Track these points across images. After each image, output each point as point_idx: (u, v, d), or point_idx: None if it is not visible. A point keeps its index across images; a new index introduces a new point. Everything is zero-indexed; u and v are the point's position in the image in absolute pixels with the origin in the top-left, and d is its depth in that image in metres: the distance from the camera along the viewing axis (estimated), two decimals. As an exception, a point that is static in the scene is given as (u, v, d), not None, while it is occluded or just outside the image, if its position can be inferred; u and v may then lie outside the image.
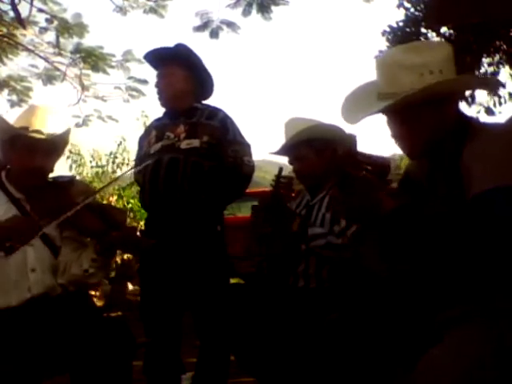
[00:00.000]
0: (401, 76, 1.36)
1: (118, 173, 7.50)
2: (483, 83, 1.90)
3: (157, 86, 2.46)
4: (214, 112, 2.43)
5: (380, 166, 1.35)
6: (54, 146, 1.84)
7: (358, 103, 1.47)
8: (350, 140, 1.34)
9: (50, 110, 1.86)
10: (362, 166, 1.32)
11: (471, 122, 1.40)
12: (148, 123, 7.11)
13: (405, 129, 1.41)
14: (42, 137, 1.79)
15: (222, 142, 2.34)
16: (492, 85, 2.42)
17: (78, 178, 6.78)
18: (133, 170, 2.53)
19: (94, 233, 1.82)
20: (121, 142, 7.44)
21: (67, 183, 1.88)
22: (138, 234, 1.96)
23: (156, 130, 2.45)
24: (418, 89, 1.31)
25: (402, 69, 1.36)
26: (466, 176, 1.26)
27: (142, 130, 2.79)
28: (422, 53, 1.37)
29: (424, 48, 1.42)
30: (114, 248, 1.86)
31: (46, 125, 1.80)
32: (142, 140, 2.54)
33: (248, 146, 2.43)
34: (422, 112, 1.37)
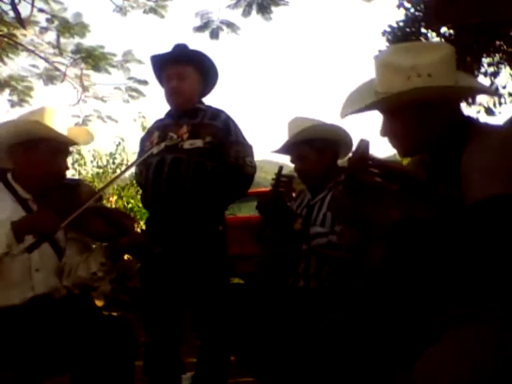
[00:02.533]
0: (389, 77, 1.35)
1: (118, 173, 7.51)
2: (468, 93, 1.80)
3: (170, 85, 2.43)
4: (217, 113, 2.44)
5: (392, 171, 1.34)
6: (69, 148, 1.88)
7: (356, 99, 1.46)
8: (363, 143, 1.31)
9: (58, 111, 1.86)
10: (374, 172, 1.31)
11: (472, 124, 1.39)
12: (145, 124, 7.10)
13: (394, 128, 1.41)
14: (71, 141, 1.83)
15: (225, 143, 2.34)
16: (476, 93, 2.38)
17: (78, 177, 6.79)
18: (136, 162, 2.52)
19: (103, 237, 1.83)
20: (119, 143, 7.46)
21: (75, 185, 1.89)
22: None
23: (158, 131, 2.45)
24: (393, 92, 1.30)
25: (391, 70, 1.34)
26: (464, 180, 1.26)
27: (140, 131, 2.79)
28: (414, 54, 1.35)
29: (417, 49, 1.39)
30: (123, 253, 1.87)
31: (56, 127, 1.81)
32: (144, 141, 2.54)
33: (250, 147, 2.43)
34: (412, 113, 1.35)
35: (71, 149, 2.04)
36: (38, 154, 1.78)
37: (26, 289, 1.70)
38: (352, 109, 1.42)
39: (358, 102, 1.42)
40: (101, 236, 1.83)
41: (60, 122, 1.84)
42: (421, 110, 1.35)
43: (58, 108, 1.88)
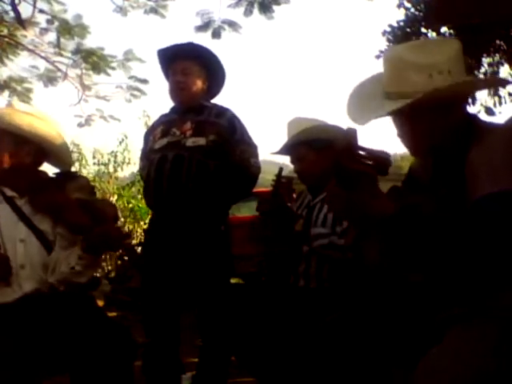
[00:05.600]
0: (410, 76, 1.32)
1: (119, 172, 7.52)
2: (491, 83, 1.79)
3: (175, 79, 2.41)
4: (222, 111, 2.42)
5: (380, 160, 1.33)
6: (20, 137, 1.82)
7: (365, 101, 1.43)
8: (350, 131, 1.30)
9: (23, 106, 1.88)
10: (361, 160, 1.30)
11: (476, 122, 1.39)
12: (149, 123, 7.15)
13: (412, 129, 1.39)
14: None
15: (229, 142, 2.33)
16: (499, 83, 2.38)
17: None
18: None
19: (79, 229, 1.81)
20: (123, 140, 7.44)
21: (65, 179, 1.88)
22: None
23: (162, 126, 2.43)
24: (427, 91, 1.27)
25: (411, 68, 1.32)
26: (470, 178, 1.25)
27: (143, 130, 2.79)
28: (431, 52, 1.33)
29: (433, 46, 1.38)
30: (98, 245, 1.82)
31: (16, 119, 1.80)
32: (148, 135, 2.52)
33: (255, 147, 2.42)
34: (431, 113, 1.34)
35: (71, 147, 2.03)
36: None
37: (14, 287, 1.69)
38: (373, 113, 1.38)
39: (373, 106, 1.39)
40: (77, 228, 1.81)
41: (22, 116, 1.82)
42: (440, 108, 1.33)
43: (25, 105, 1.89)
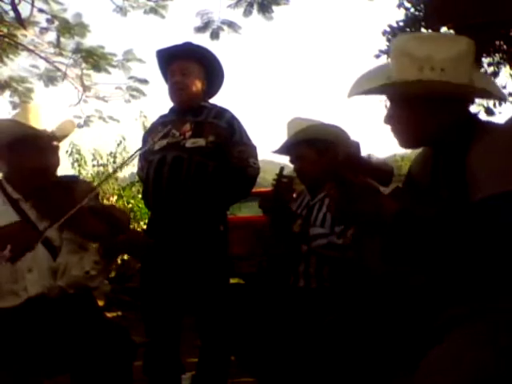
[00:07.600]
0: (402, 64, 1.32)
1: (119, 172, 7.51)
2: (483, 95, 1.75)
3: (174, 80, 2.42)
4: (222, 112, 2.42)
5: (383, 171, 1.33)
6: (54, 143, 1.86)
7: (367, 81, 1.42)
8: (352, 144, 1.30)
9: (41, 108, 1.88)
10: (362, 171, 1.29)
11: (476, 122, 1.38)
12: (147, 124, 7.16)
13: (400, 116, 1.39)
14: (52, 136, 1.82)
15: (228, 143, 2.34)
16: (489, 98, 2.36)
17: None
18: (131, 158, 2.51)
19: (97, 237, 1.82)
20: (121, 142, 7.44)
21: (71, 183, 1.88)
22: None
23: (162, 127, 2.43)
24: (399, 81, 1.29)
25: (405, 57, 1.32)
26: (470, 178, 1.25)
27: (141, 130, 2.79)
28: (431, 46, 1.32)
29: (435, 41, 1.36)
30: (118, 252, 1.87)
31: (39, 123, 1.81)
32: (147, 136, 2.53)
33: (254, 148, 2.42)
34: (419, 104, 1.34)
35: (71, 148, 2.04)
36: (21, 152, 1.77)
37: (19, 290, 1.69)
38: (359, 90, 1.39)
39: (368, 84, 1.39)
40: (95, 235, 1.82)
41: (45, 119, 1.83)
42: (429, 102, 1.33)
43: (41, 105, 1.90)
